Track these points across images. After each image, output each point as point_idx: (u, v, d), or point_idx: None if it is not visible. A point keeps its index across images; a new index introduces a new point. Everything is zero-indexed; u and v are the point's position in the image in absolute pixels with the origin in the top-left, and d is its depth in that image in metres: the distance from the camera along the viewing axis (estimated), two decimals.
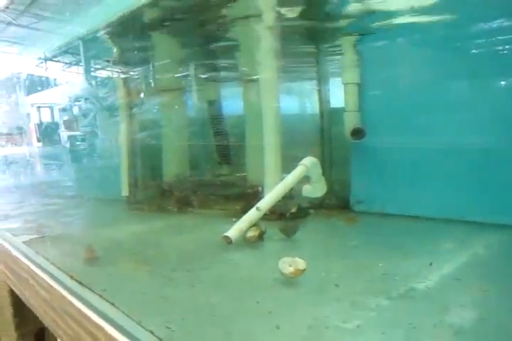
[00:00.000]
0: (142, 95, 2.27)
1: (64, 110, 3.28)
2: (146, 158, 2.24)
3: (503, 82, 1.43)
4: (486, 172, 1.45)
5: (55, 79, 3.30)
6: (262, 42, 1.65)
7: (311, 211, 1.70)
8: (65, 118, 3.26)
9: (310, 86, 2.04)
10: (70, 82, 3.30)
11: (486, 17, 1.40)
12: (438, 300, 0.92)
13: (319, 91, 1.96)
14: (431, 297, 0.94)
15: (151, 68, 2.30)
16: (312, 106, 2.05)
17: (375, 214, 1.65)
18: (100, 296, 0.99)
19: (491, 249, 1.25)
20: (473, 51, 1.46)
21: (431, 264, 1.11)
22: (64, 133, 3.20)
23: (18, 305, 1.75)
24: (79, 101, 2.88)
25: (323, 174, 1.66)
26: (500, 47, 1.40)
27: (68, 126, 3.16)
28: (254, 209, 1.46)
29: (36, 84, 3.48)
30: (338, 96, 1.82)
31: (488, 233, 1.36)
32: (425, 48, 1.56)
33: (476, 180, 1.47)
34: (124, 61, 2.27)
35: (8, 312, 1.80)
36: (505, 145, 1.40)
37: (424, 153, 1.58)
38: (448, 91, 1.55)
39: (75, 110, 3.01)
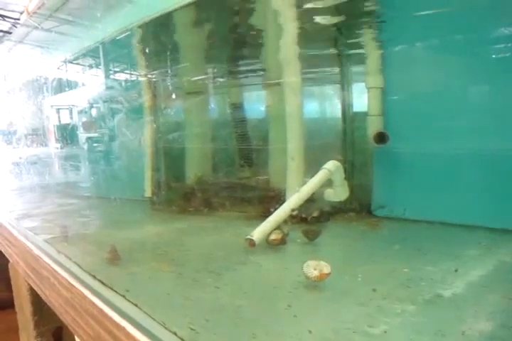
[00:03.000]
0: (167, 98, 2.28)
1: (82, 112, 3.31)
2: (170, 160, 2.25)
3: None
4: (509, 178, 1.42)
5: (75, 82, 3.33)
6: (286, 39, 1.65)
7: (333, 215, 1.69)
8: (84, 120, 3.29)
9: (333, 90, 2.04)
10: (89, 85, 3.33)
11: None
12: (465, 307, 0.90)
13: (342, 95, 1.96)
14: (458, 304, 0.92)
15: (171, 71, 2.31)
16: (335, 109, 2.04)
17: (396, 220, 1.63)
18: (123, 296, 0.99)
19: None
20: (499, 55, 1.45)
21: (456, 271, 1.09)
22: (82, 135, 3.23)
23: (38, 304, 1.77)
24: (98, 103, 2.91)
25: (346, 178, 1.65)
26: None
27: (86, 127, 3.19)
28: (277, 212, 1.46)
29: (57, 87, 3.52)
30: (361, 100, 1.82)
31: (511, 240, 1.34)
32: (450, 52, 1.55)
33: (500, 186, 1.44)
34: (149, 63, 2.29)
35: (28, 310, 1.82)
36: None
37: (448, 159, 1.56)
38: (473, 96, 1.53)
39: (94, 112, 3.04)
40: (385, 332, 0.79)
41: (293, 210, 1.49)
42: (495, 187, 1.45)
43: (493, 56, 1.46)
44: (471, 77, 1.52)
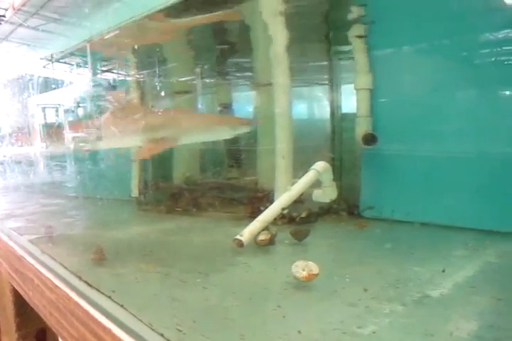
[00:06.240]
0: (154, 97, 2.27)
1: (69, 111, 3.28)
2: (157, 160, 2.24)
3: None
4: (496, 180, 1.44)
5: (61, 81, 3.30)
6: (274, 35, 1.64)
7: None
8: (70, 119, 3.26)
9: (321, 91, 2.04)
10: (76, 84, 3.30)
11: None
12: (453, 308, 0.90)
13: (331, 96, 1.96)
14: (446, 304, 0.92)
15: (158, 71, 2.30)
16: (323, 111, 2.04)
17: (384, 220, 1.64)
18: (109, 297, 0.98)
19: (503, 257, 1.23)
20: (486, 59, 1.46)
21: (444, 271, 1.10)
22: (68, 135, 3.20)
23: (21, 305, 1.73)
24: (84, 102, 2.88)
25: (334, 179, 1.65)
26: (509, 57, 1.41)
27: (73, 127, 3.16)
28: (265, 212, 1.46)
29: (43, 85, 3.48)
30: (349, 101, 1.82)
31: (499, 241, 1.34)
32: (438, 54, 1.56)
33: (487, 187, 1.46)
34: (136, 63, 2.28)
35: (10, 312, 1.78)
36: None
37: (435, 160, 1.57)
38: (460, 99, 1.55)
39: (80, 111, 3.01)
40: (374, 332, 0.79)
41: (283, 209, 1.49)
42: (482, 189, 1.46)
43: (480, 60, 1.47)
44: (458, 80, 1.53)
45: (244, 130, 1.51)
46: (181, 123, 1.40)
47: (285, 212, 1.52)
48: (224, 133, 1.46)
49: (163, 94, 2.28)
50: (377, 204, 1.69)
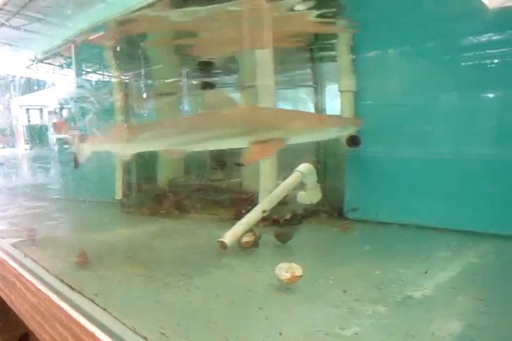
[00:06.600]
0: (138, 98, 2.26)
1: (53, 112, 3.24)
2: (141, 161, 2.22)
3: (498, 94, 1.45)
4: (477, 182, 1.45)
5: (45, 81, 3.27)
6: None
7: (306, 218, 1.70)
8: (54, 120, 3.23)
9: (306, 93, 2.05)
10: (60, 85, 3.27)
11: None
12: (435, 308, 0.91)
13: (315, 98, 1.97)
14: (427, 305, 0.93)
15: (143, 73, 2.29)
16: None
17: (368, 222, 1.65)
18: (92, 301, 0.97)
19: (483, 257, 1.25)
20: (468, 62, 1.48)
21: (426, 272, 1.11)
22: (53, 136, 3.16)
23: (3, 309, 1.70)
24: (69, 103, 2.85)
25: (318, 181, 1.66)
26: (489, 61, 1.43)
27: (58, 128, 3.12)
28: (249, 214, 1.46)
29: (26, 86, 3.45)
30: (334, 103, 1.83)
31: (479, 242, 1.36)
32: (421, 58, 1.57)
33: (469, 189, 1.47)
34: (120, 65, 2.26)
35: None
36: (501, 156, 1.41)
37: (419, 162, 1.58)
38: (443, 102, 1.56)
39: (65, 113, 2.98)
40: (357, 333, 0.80)
41: (264, 211, 1.49)
42: (464, 191, 1.48)
43: (463, 63, 1.49)
44: (441, 83, 1.54)
45: (352, 130, 1.47)
46: (288, 123, 1.34)
47: (265, 214, 1.51)
48: (332, 134, 1.42)
49: (144, 96, 2.27)
50: (361, 206, 1.70)
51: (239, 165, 1.42)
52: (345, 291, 1.00)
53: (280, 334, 0.79)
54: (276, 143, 1.32)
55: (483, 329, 0.81)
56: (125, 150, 1.56)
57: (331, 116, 1.55)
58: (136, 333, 0.81)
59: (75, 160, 1.70)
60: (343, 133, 1.49)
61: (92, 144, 1.64)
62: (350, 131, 1.48)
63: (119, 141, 1.55)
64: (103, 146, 1.66)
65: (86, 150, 1.62)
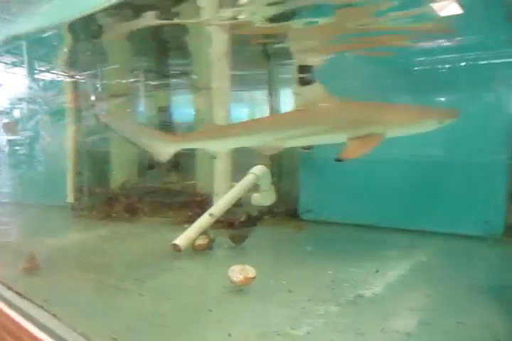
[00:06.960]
0: (91, 99, 2.21)
1: (4, 113, 3.13)
2: (93, 164, 2.18)
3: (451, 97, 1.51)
4: (425, 183, 1.50)
5: None
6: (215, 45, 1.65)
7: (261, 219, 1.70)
8: (5, 121, 3.12)
9: (261, 95, 2.05)
10: (11, 84, 3.16)
11: None
12: (385, 306, 0.94)
13: (269, 100, 1.98)
14: (378, 303, 0.96)
15: (100, 73, 2.25)
16: (263, 114, 2.05)
17: (322, 223, 1.67)
18: (41, 307, 0.95)
19: (432, 256, 1.30)
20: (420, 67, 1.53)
21: (377, 271, 1.14)
22: (3, 137, 3.06)
23: None
24: (20, 103, 2.76)
25: (273, 183, 1.67)
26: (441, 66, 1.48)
27: (8, 129, 3.02)
28: (203, 217, 1.45)
29: None
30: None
31: (429, 241, 1.41)
32: (376, 63, 1.61)
33: (418, 190, 1.52)
34: (73, 64, 2.21)
35: None
36: (449, 158, 1.46)
37: (370, 164, 1.61)
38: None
39: (16, 113, 2.89)
40: (308, 333, 0.81)
41: (210, 215, 1.47)
42: (413, 191, 1.52)
43: (416, 68, 1.54)
44: (394, 86, 1.58)
45: (449, 122, 1.41)
46: (387, 117, 1.27)
47: (213, 218, 1.49)
48: (430, 127, 1.36)
49: (94, 97, 2.23)
50: (315, 207, 1.72)
51: (339, 161, 1.36)
52: (297, 292, 1.01)
53: (229, 335, 0.80)
54: (376, 137, 1.28)
55: (430, 325, 0.84)
56: (219, 146, 1.48)
57: (429, 109, 1.51)
58: (86, 339, 0.79)
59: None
60: (440, 126, 1.47)
61: (179, 142, 1.50)
62: (448, 123, 1.44)
63: (213, 138, 1.45)
64: (195, 144, 1.55)
65: (169, 148, 1.45)
